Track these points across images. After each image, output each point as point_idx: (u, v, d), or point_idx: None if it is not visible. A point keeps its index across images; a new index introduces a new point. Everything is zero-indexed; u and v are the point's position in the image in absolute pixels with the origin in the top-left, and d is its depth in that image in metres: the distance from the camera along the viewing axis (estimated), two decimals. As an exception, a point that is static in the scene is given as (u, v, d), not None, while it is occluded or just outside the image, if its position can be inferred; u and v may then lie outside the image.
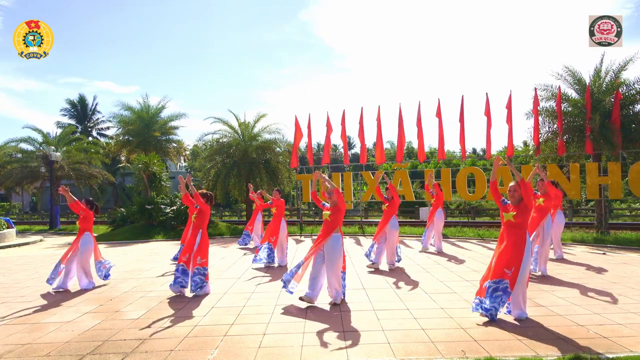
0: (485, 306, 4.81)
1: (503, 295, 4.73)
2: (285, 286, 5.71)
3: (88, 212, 7.29)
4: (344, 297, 5.83)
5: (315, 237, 10.51)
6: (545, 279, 6.96)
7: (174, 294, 6.39)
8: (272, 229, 8.80)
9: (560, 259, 8.68)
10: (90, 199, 7.59)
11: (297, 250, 11.16)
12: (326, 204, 5.91)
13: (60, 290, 6.98)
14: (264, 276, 7.76)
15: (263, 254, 8.65)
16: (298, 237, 14.57)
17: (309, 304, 5.62)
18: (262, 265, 8.67)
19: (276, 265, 8.77)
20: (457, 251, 10.41)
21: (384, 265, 8.23)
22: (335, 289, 5.64)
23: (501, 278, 4.77)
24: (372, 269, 8.10)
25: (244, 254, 10.64)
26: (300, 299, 5.61)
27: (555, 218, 8.36)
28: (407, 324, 4.77)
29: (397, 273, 7.72)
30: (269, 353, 4.02)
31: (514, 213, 4.87)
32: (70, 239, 15.61)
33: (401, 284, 6.86)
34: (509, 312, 4.91)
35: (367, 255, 8.29)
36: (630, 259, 8.83)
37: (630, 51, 41.34)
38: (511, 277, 4.76)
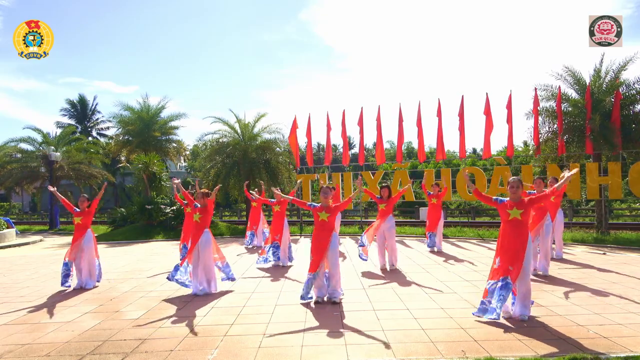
0: (492, 306, 4.79)
1: (506, 292, 4.75)
2: (305, 298, 5.75)
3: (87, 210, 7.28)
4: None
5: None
6: (545, 278, 6.96)
7: (174, 294, 6.40)
8: (277, 228, 8.81)
9: (560, 259, 8.69)
10: (85, 195, 7.55)
11: (297, 250, 11.15)
12: (316, 204, 5.89)
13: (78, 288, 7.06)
14: (264, 276, 7.76)
15: (269, 254, 8.68)
16: (298, 237, 14.56)
17: (307, 304, 5.65)
18: (269, 265, 8.68)
19: (281, 264, 8.76)
20: (457, 251, 10.41)
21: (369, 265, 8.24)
22: (338, 286, 5.76)
23: (506, 275, 4.79)
24: (370, 268, 8.12)
25: (238, 255, 10.65)
26: (315, 302, 5.71)
27: (556, 217, 8.38)
28: (407, 324, 4.77)
29: (397, 273, 7.72)
30: (269, 353, 4.02)
31: (521, 211, 4.86)
32: (70, 239, 15.62)
33: (401, 284, 6.86)
34: (513, 303, 4.90)
35: (362, 256, 8.02)
36: (631, 259, 8.83)
37: (630, 51, 41.33)
38: (513, 273, 4.78)
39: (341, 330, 4.62)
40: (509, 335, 4.35)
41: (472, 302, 5.57)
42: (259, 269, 8.47)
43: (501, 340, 4.21)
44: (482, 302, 4.95)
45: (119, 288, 7.04)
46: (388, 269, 8.04)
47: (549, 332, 4.40)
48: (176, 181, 7.34)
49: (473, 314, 4.97)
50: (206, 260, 6.39)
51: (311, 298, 5.75)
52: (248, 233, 12.18)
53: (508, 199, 5.02)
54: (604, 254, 9.58)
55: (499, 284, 4.80)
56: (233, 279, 6.81)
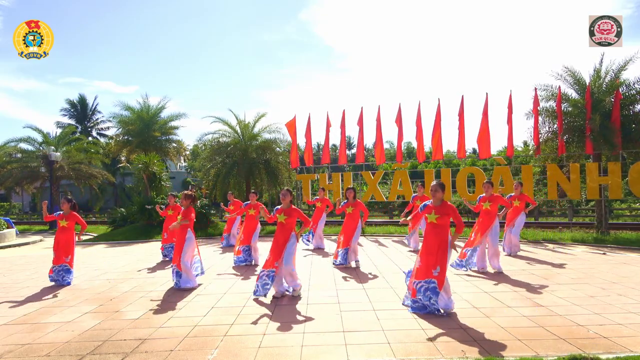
0: (425, 303, 5.10)
1: (434, 294, 5.07)
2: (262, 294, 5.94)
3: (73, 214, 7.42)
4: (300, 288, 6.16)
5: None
6: (544, 278, 6.95)
7: (174, 294, 6.40)
8: (249, 232, 9.00)
9: (515, 255, 9.31)
10: (66, 197, 7.61)
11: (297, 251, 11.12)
12: (278, 207, 6.17)
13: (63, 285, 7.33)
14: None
15: (244, 255, 8.95)
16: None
17: (307, 304, 5.66)
18: (243, 265, 8.91)
19: (253, 264, 8.96)
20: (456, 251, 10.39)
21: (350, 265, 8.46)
22: (294, 281, 6.08)
23: (430, 278, 5.07)
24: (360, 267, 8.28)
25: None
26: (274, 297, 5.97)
27: (516, 219, 9.29)
28: (407, 324, 4.77)
29: (396, 273, 7.72)
30: (269, 353, 4.02)
31: (438, 216, 5.14)
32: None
33: (401, 284, 6.84)
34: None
35: (344, 262, 8.39)
36: (630, 259, 8.83)
37: (630, 51, 41.34)
38: (438, 276, 5.04)
39: (341, 330, 4.61)
40: (509, 335, 4.35)
41: (473, 302, 5.58)
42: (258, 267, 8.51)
43: (501, 340, 4.21)
44: (417, 300, 5.15)
45: (119, 288, 7.04)
46: (353, 266, 8.36)
47: (549, 332, 4.40)
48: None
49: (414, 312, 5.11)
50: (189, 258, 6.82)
51: (264, 294, 5.89)
52: (224, 235, 12.26)
53: (430, 202, 5.28)
54: (604, 254, 9.58)
55: (424, 285, 5.09)
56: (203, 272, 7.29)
